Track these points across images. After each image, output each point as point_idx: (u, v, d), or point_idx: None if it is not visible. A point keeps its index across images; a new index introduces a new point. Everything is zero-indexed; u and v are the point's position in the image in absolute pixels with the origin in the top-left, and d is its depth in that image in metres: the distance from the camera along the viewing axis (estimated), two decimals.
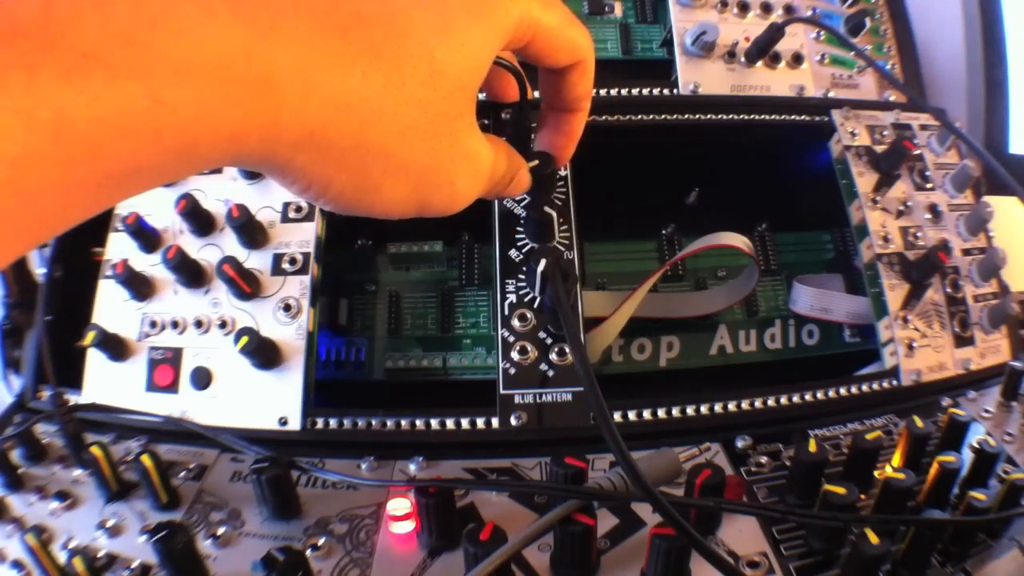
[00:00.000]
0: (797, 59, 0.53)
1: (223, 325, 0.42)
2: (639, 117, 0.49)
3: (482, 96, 0.32)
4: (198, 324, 0.42)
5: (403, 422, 0.39)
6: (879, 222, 0.47)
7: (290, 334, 0.41)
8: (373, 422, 0.39)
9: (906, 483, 0.32)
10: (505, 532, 0.28)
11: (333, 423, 0.39)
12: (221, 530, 0.33)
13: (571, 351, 0.39)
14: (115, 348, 0.42)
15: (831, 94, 0.53)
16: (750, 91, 0.52)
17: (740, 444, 0.39)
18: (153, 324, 0.43)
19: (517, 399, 0.39)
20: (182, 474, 0.37)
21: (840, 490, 0.31)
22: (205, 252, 0.44)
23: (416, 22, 0.23)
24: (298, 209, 0.44)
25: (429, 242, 0.53)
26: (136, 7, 0.17)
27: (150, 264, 0.44)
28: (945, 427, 0.38)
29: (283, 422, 0.39)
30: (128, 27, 0.17)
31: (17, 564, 0.32)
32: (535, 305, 0.40)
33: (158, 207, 0.45)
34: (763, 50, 0.51)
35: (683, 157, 0.54)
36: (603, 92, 0.50)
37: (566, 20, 0.31)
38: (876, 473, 0.35)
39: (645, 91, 0.50)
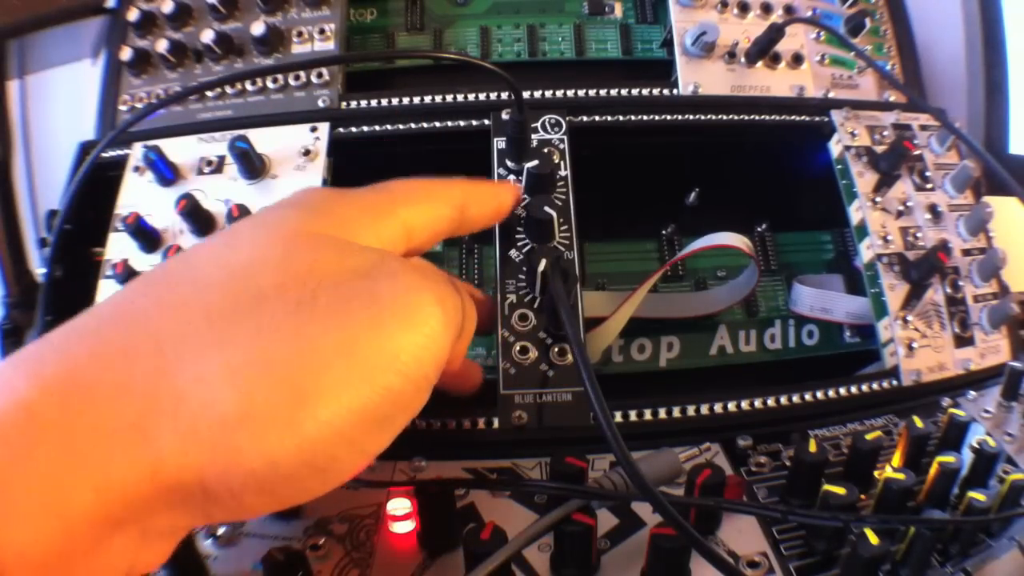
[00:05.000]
0: (797, 59, 0.53)
1: None
2: (639, 117, 0.49)
3: None
4: None
5: None
6: (879, 222, 0.47)
7: None
8: None
9: (906, 483, 0.32)
10: (505, 532, 0.28)
11: None
12: (221, 530, 0.33)
13: (571, 351, 0.39)
14: None
15: (831, 94, 0.53)
16: (750, 91, 0.52)
17: (740, 444, 0.39)
18: None
19: (517, 399, 0.39)
20: None
21: (840, 490, 0.31)
22: None
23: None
24: None
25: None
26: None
27: (150, 264, 0.44)
28: (945, 427, 0.38)
29: None
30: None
31: None
32: (535, 305, 0.40)
33: (158, 207, 0.45)
34: (763, 50, 0.52)
35: (683, 157, 0.54)
36: (603, 92, 0.50)
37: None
38: (876, 473, 0.35)
39: (645, 91, 0.50)
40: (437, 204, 0.31)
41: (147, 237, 0.44)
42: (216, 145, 0.47)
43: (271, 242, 0.24)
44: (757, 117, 0.50)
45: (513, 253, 0.42)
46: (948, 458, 0.34)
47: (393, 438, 0.24)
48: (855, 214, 0.48)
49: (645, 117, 0.49)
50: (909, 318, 0.45)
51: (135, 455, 0.19)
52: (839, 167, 0.49)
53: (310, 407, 0.21)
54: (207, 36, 0.49)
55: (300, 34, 0.51)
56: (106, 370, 0.20)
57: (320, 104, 0.49)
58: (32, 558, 0.17)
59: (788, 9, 0.54)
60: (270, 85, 0.50)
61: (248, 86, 0.50)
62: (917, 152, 0.49)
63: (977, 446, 0.36)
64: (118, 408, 0.19)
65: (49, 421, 0.18)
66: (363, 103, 0.49)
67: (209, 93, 0.50)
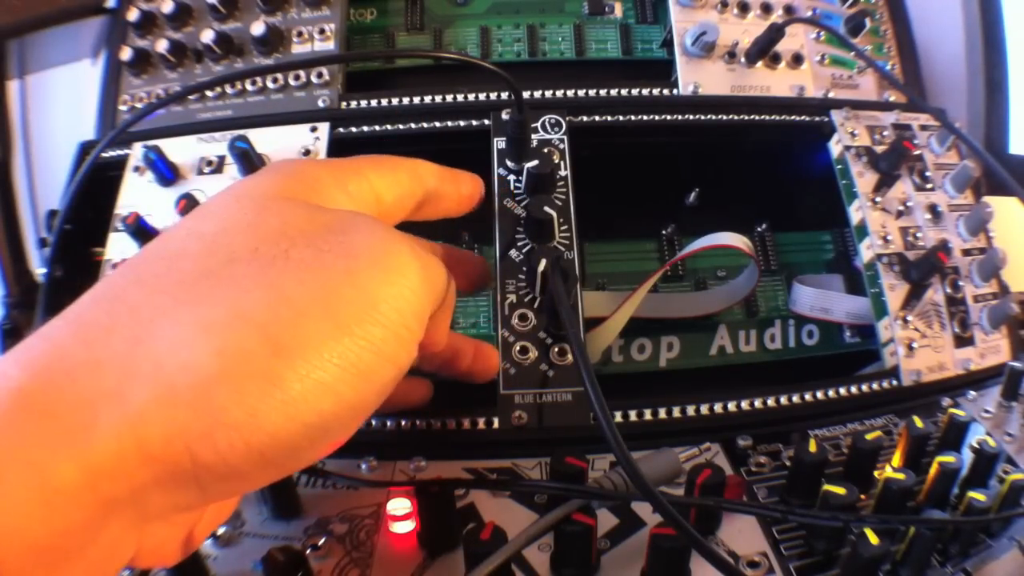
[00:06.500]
0: (797, 59, 0.53)
1: None
2: (639, 117, 0.49)
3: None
4: None
5: (403, 422, 0.39)
6: (879, 222, 0.47)
7: None
8: (373, 422, 0.39)
9: (906, 483, 0.32)
10: (505, 532, 0.28)
11: None
12: (221, 530, 0.33)
13: (571, 351, 0.39)
14: None
15: (831, 94, 0.53)
16: (750, 91, 0.52)
17: (740, 444, 0.39)
18: None
19: (517, 399, 0.39)
20: None
21: (840, 490, 0.31)
22: None
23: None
24: None
25: (429, 242, 0.53)
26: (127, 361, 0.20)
27: None
28: (945, 427, 0.38)
29: None
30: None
31: None
32: (535, 305, 0.40)
33: (158, 207, 0.45)
34: (763, 50, 0.52)
35: (683, 157, 0.54)
36: (603, 92, 0.50)
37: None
38: (876, 473, 0.35)
39: (645, 91, 0.50)
40: (402, 175, 0.31)
41: (147, 237, 0.44)
42: (216, 145, 0.47)
43: (241, 208, 0.25)
44: (757, 117, 0.50)
45: (513, 253, 0.42)
46: (948, 458, 0.34)
47: (382, 393, 0.24)
48: (855, 214, 0.48)
49: (645, 117, 0.49)
50: (909, 318, 0.45)
51: (116, 425, 0.19)
52: (839, 167, 0.49)
53: (288, 358, 0.21)
54: (207, 36, 0.49)
55: (300, 34, 0.51)
56: (87, 347, 0.20)
57: (320, 104, 0.49)
58: (21, 542, 0.17)
59: (788, 9, 0.54)
60: (270, 85, 0.50)
61: (248, 86, 0.50)
62: (917, 152, 0.49)
63: (977, 446, 0.36)
64: (99, 382, 0.19)
65: (34, 402, 0.19)
66: (363, 103, 0.49)
67: (209, 93, 0.50)
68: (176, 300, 0.21)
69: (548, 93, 0.49)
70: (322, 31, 0.51)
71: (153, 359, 0.20)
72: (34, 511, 0.17)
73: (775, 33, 0.51)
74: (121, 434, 0.19)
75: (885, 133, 0.50)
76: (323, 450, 0.23)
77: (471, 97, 0.49)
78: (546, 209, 0.41)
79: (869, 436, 0.35)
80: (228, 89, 0.50)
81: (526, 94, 0.48)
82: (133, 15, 0.52)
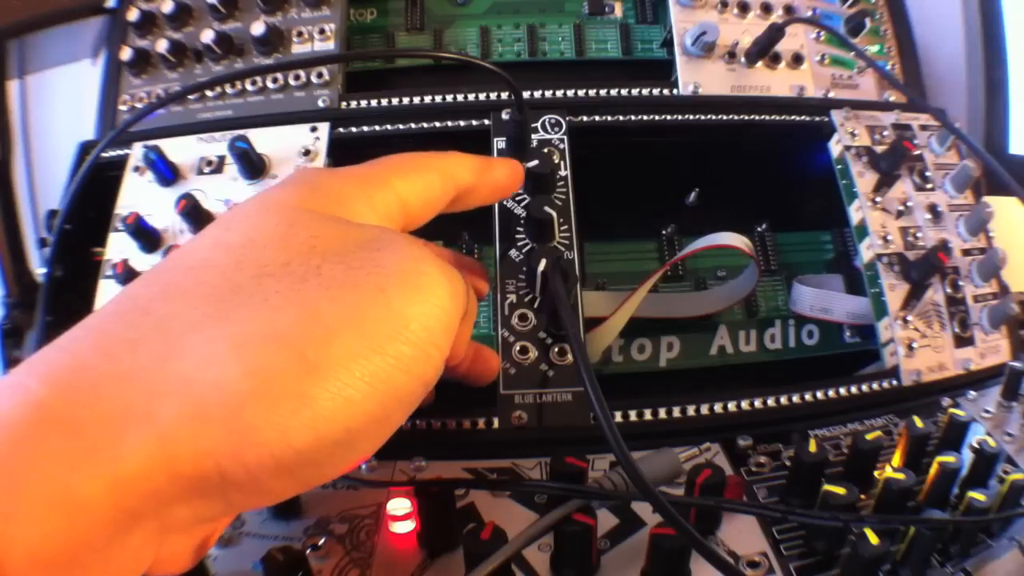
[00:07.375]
0: (797, 59, 0.53)
1: None
2: (639, 117, 0.49)
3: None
4: None
5: None
6: (879, 222, 0.47)
7: None
8: None
9: (906, 483, 0.32)
10: (505, 532, 0.28)
11: None
12: None
13: (571, 351, 0.39)
14: None
15: (831, 94, 0.53)
16: (750, 91, 0.52)
17: (740, 444, 0.39)
18: None
19: (517, 399, 0.39)
20: None
21: (840, 490, 0.31)
22: None
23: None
24: None
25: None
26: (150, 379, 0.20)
27: (150, 264, 0.44)
28: (945, 427, 0.38)
29: None
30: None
31: None
32: (535, 305, 0.40)
33: (158, 207, 0.45)
34: (763, 50, 0.52)
35: (683, 157, 0.54)
36: (603, 92, 0.50)
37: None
38: (876, 473, 0.35)
39: (645, 91, 0.50)
40: (429, 174, 0.30)
41: (147, 237, 0.44)
42: (216, 145, 0.47)
43: (270, 221, 0.24)
44: (757, 117, 0.50)
45: (513, 253, 0.42)
46: (948, 458, 0.34)
47: (409, 409, 0.24)
48: (855, 214, 0.48)
49: (645, 117, 0.49)
50: (909, 318, 0.45)
51: (145, 443, 0.19)
52: (839, 167, 0.49)
53: (320, 377, 0.21)
54: (207, 36, 0.49)
55: (300, 34, 0.51)
56: (112, 361, 0.20)
57: (320, 104, 0.49)
58: (41, 555, 0.17)
59: (788, 9, 0.54)
60: (270, 85, 0.50)
61: (248, 86, 0.50)
62: (917, 152, 0.49)
63: (977, 446, 0.36)
64: (125, 397, 0.19)
65: (56, 416, 0.18)
66: (363, 103, 0.49)
67: (209, 93, 0.50)
68: (205, 315, 0.21)
69: (548, 93, 0.49)
70: (322, 31, 0.51)
71: (181, 376, 0.20)
72: (55, 525, 0.17)
73: (775, 33, 0.51)
74: (150, 452, 0.19)
75: (885, 133, 0.50)
76: (348, 465, 0.23)
77: (471, 97, 0.49)
78: (546, 209, 0.41)
79: (869, 436, 0.35)
80: (228, 89, 0.50)
81: (526, 94, 0.48)
82: (133, 15, 0.52)
